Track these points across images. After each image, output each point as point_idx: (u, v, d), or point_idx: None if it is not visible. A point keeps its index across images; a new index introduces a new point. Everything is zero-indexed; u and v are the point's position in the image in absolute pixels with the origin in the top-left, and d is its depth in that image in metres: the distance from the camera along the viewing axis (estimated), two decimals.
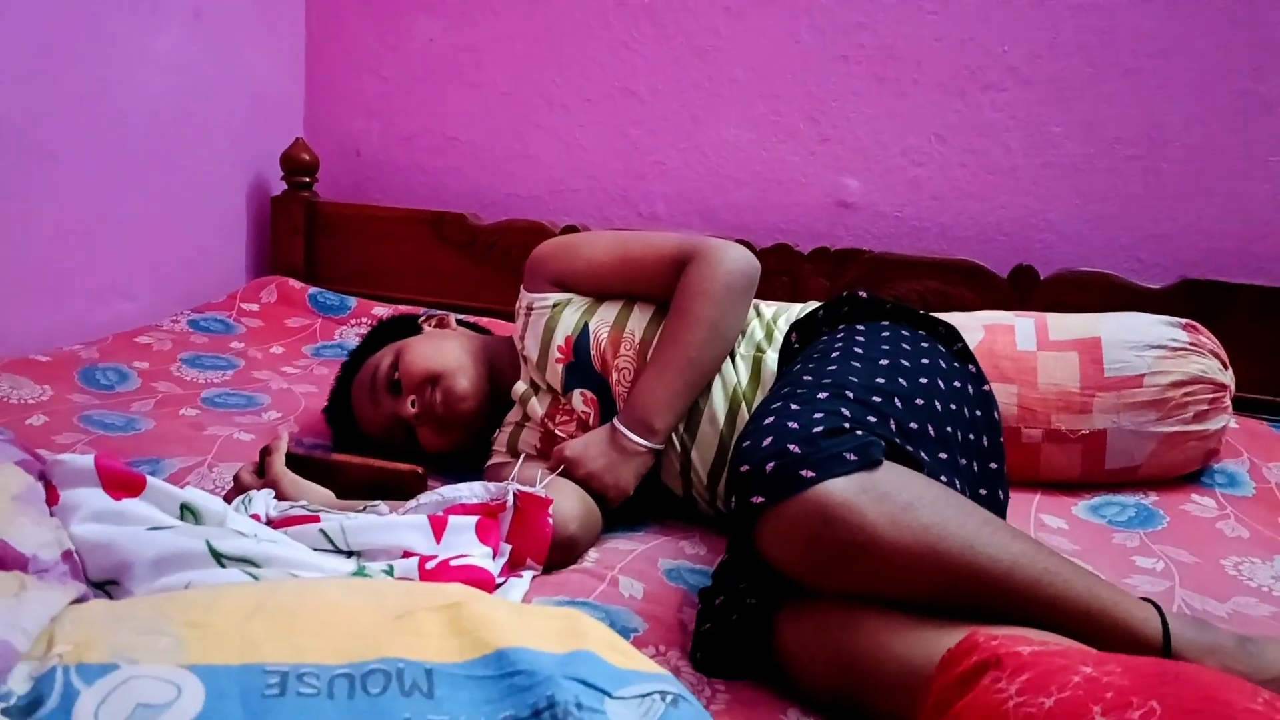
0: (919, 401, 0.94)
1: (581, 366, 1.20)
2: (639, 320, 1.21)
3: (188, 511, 0.86)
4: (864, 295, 1.16)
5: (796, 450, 0.79)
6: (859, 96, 1.84)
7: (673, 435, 1.15)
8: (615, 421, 1.14)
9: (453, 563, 0.93)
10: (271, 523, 0.96)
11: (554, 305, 1.24)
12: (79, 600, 0.66)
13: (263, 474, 1.09)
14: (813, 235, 1.88)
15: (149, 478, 0.86)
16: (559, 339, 1.21)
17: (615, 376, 1.18)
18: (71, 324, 1.71)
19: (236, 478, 1.11)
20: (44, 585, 0.64)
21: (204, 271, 2.01)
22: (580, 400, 1.20)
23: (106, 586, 0.78)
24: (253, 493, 1.02)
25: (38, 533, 0.73)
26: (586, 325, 1.21)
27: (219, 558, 0.80)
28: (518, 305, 1.28)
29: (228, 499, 1.06)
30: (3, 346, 1.56)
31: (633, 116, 1.99)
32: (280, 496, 1.04)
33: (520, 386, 1.25)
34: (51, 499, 0.81)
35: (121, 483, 0.85)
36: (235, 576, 0.79)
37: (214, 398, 1.53)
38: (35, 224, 1.62)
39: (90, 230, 1.73)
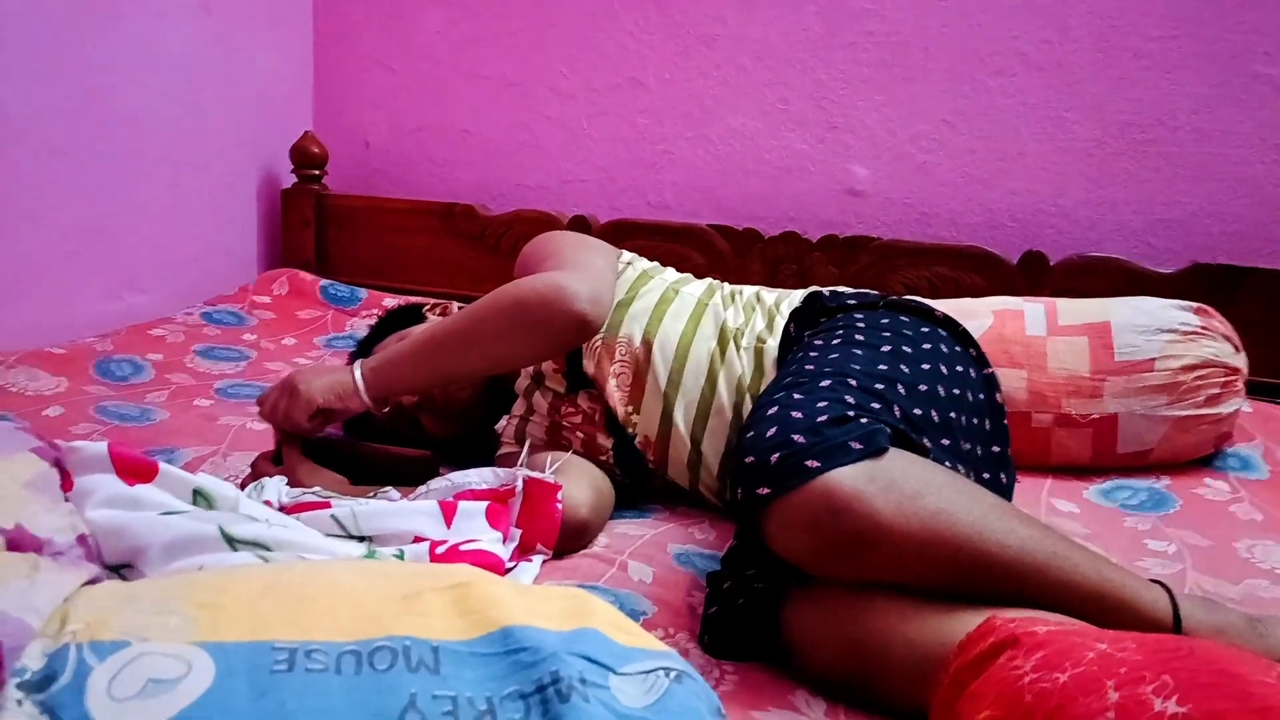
0: (922, 387, 0.94)
1: (577, 375, 1.19)
2: (637, 322, 1.18)
3: (200, 497, 0.87)
4: (851, 293, 1.15)
5: (801, 440, 0.78)
6: (867, 84, 1.84)
7: (681, 429, 1.14)
8: (360, 362, 1.10)
9: (463, 547, 0.94)
10: (284, 508, 0.97)
11: None
12: (92, 582, 0.67)
13: (279, 461, 1.10)
14: (822, 223, 1.87)
15: (162, 464, 0.87)
16: None
17: (612, 383, 1.16)
18: (86, 317, 1.72)
19: (254, 464, 1.12)
20: (57, 566, 0.65)
21: (216, 264, 2.03)
22: (586, 399, 1.20)
23: (121, 570, 0.79)
24: (265, 479, 1.03)
25: (52, 518, 0.74)
26: None
27: (231, 542, 0.80)
28: None
29: (244, 485, 1.07)
30: (19, 339, 1.57)
31: (640, 106, 1.99)
32: (295, 483, 1.05)
33: (523, 382, 1.25)
34: (66, 485, 0.82)
35: (135, 469, 0.86)
36: (247, 560, 0.79)
37: (227, 388, 1.54)
38: (48, 219, 1.64)
39: (102, 225, 1.75)
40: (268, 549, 0.82)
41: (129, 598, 0.61)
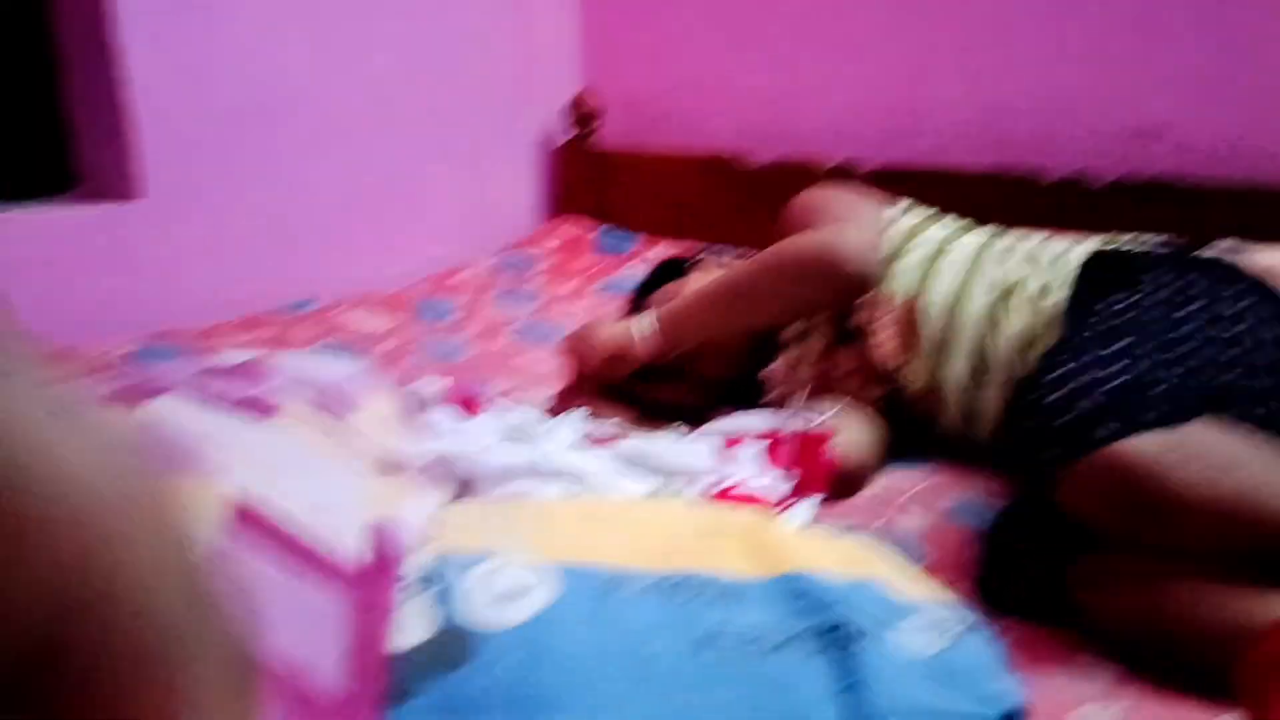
0: (1234, 352, 0.88)
1: (846, 327, 1.21)
2: (908, 276, 1.17)
3: (518, 430, 1.00)
4: (1150, 245, 1.07)
5: (1093, 405, 0.76)
6: (1163, 7, 1.65)
7: (952, 384, 1.13)
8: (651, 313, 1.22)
9: (741, 487, 1.00)
10: (586, 441, 1.08)
11: None
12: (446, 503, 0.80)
13: (577, 396, 1.23)
14: (1113, 165, 1.72)
15: (485, 399, 1.01)
16: None
17: (882, 335, 1.17)
18: (401, 264, 1.96)
19: (556, 397, 1.26)
20: (423, 489, 0.78)
21: (503, 216, 2.22)
22: (855, 350, 1.21)
23: (461, 493, 0.93)
24: (567, 414, 1.15)
25: (411, 446, 0.89)
26: None
27: (546, 471, 0.92)
28: None
29: (548, 416, 1.20)
30: (354, 285, 1.82)
31: (904, 47, 1.91)
32: (592, 417, 1.17)
33: (792, 332, 1.28)
34: (417, 418, 0.98)
35: (465, 404, 1.00)
36: (561, 490, 0.91)
37: (521, 329, 1.72)
38: (366, 181, 1.88)
39: (404, 181, 1.96)
40: (577, 479, 0.93)
41: (481, 517, 0.73)
